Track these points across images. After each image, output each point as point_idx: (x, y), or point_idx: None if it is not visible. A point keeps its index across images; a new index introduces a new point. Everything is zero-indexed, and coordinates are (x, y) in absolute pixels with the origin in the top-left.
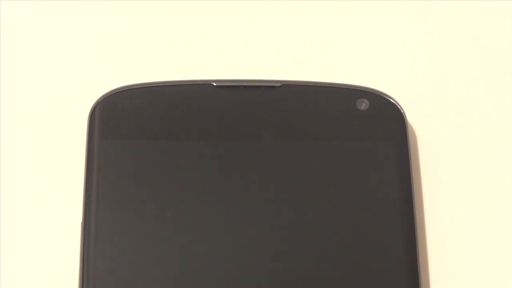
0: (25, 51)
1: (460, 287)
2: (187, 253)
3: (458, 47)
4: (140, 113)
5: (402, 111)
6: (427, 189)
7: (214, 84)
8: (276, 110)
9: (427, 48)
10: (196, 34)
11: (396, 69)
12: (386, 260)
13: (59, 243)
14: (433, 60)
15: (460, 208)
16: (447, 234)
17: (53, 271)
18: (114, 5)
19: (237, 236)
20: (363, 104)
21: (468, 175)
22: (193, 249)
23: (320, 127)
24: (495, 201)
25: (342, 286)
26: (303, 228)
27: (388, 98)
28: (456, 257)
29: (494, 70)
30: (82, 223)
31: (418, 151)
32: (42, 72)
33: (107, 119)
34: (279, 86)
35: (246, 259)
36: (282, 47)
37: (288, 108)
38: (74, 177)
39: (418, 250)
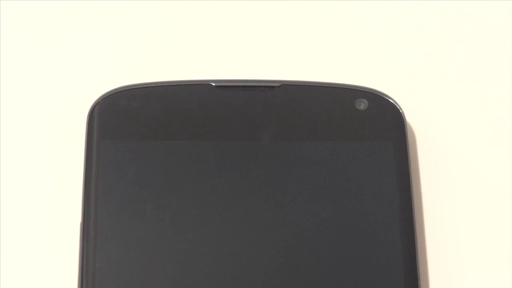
0: (25, 51)
1: (459, 287)
2: (186, 252)
3: (457, 47)
4: (139, 113)
5: (401, 111)
6: (426, 188)
7: (213, 84)
8: (275, 110)
9: (427, 48)
10: (195, 34)
11: (396, 69)
12: (385, 260)
13: (58, 244)
14: (433, 60)
15: (459, 208)
16: (446, 234)
17: (52, 271)
18: (114, 5)
19: (236, 236)
20: (362, 104)
21: (467, 175)
22: (192, 248)
23: (319, 127)
24: (495, 201)
25: (341, 286)
26: (302, 228)
27: (387, 98)
28: (455, 258)
29: (494, 70)
30: (81, 223)
31: (417, 151)
32: (42, 72)
33: (106, 119)
34: (278, 86)
35: (245, 259)
36: (281, 47)
37: (287, 108)
38: (73, 177)
39: (417, 250)
